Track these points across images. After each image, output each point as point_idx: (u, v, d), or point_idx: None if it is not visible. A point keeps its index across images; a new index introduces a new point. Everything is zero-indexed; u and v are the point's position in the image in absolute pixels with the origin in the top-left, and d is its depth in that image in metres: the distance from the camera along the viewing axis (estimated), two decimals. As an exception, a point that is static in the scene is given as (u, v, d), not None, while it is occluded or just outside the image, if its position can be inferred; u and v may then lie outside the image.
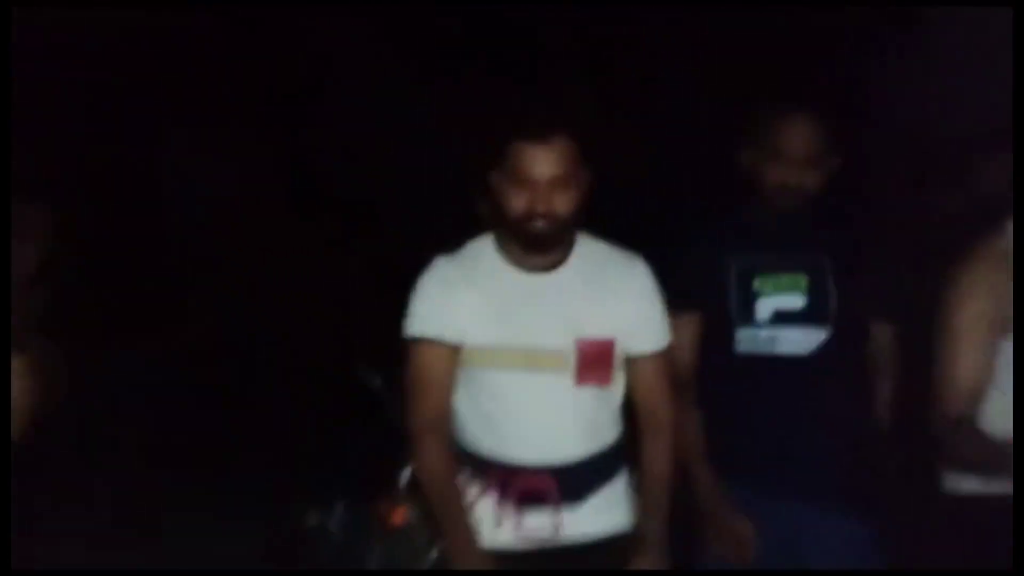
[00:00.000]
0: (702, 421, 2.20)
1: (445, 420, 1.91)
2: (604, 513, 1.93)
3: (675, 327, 2.15)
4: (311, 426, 3.14)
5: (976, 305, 1.91)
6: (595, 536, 1.91)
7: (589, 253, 1.97)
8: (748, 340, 2.16)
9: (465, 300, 1.90)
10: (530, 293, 1.92)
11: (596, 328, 1.91)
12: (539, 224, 1.85)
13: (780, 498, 2.12)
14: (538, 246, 1.90)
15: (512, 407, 1.89)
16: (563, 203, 1.86)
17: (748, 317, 2.16)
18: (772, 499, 2.12)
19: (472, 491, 1.93)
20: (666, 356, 2.00)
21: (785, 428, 2.13)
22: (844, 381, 2.18)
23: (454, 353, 1.90)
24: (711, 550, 2.17)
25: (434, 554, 2.13)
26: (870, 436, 2.23)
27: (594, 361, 1.91)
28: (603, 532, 1.92)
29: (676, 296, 2.14)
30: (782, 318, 2.16)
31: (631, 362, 1.97)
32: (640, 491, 1.97)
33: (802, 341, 2.16)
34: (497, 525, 1.89)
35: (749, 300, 2.16)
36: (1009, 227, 1.94)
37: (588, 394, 1.90)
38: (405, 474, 2.23)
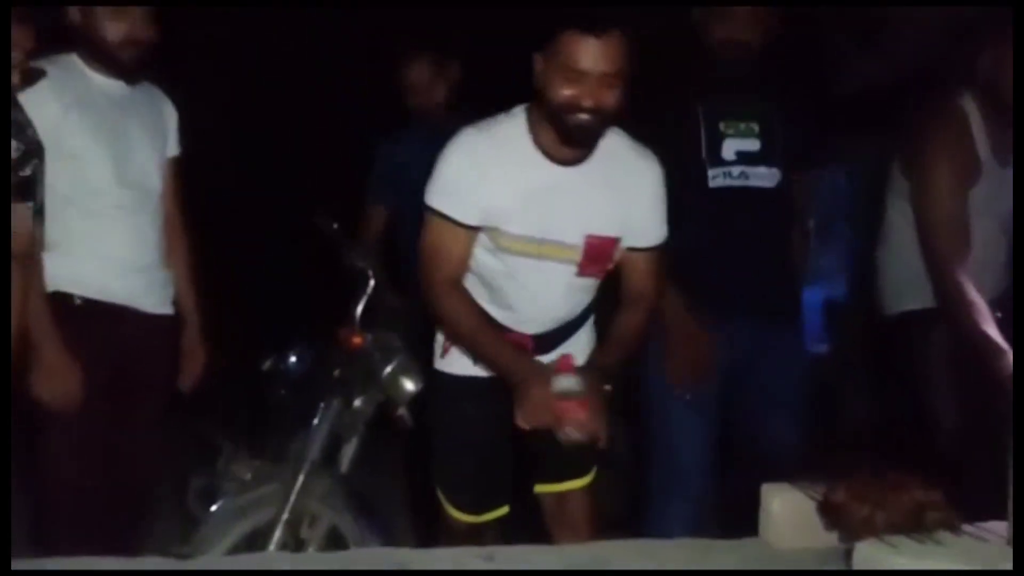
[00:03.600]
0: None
1: (460, 282, 2.07)
2: (572, 351, 2.17)
3: None
4: (267, 277, 3.41)
5: (950, 165, 2.31)
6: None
7: (611, 148, 2.05)
8: (721, 176, 2.50)
9: (492, 186, 1.97)
10: (553, 187, 2.00)
11: (605, 227, 2.07)
12: (584, 117, 1.89)
13: (742, 316, 2.54)
14: (578, 139, 1.95)
15: (517, 287, 2.10)
16: (611, 98, 1.90)
17: (716, 156, 2.50)
18: (735, 318, 2.53)
19: (447, 342, 2.22)
20: (662, 250, 2.15)
21: (751, 252, 2.54)
22: (787, 214, 2.62)
23: (472, 234, 2.03)
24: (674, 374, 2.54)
25: (387, 370, 2.45)
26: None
27: (598, 255, 2.08)
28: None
29: (645, 134, 2.42)
30: (744, 158, 2.51)
31: (630, 252, 2.12)
32: (603, 341, 2.17)
33: (767, 176, 2.53)
34: (474, 364, 2.16)
35: (717, 141, 2.49)
36: (959, 99, 2.33)
37: (584, 282, 2.11)
38: (359, 308, 2.52)
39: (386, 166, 3.28)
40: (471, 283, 2.14)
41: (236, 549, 2.34)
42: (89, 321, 2.37)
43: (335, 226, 2.57)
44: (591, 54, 1.83)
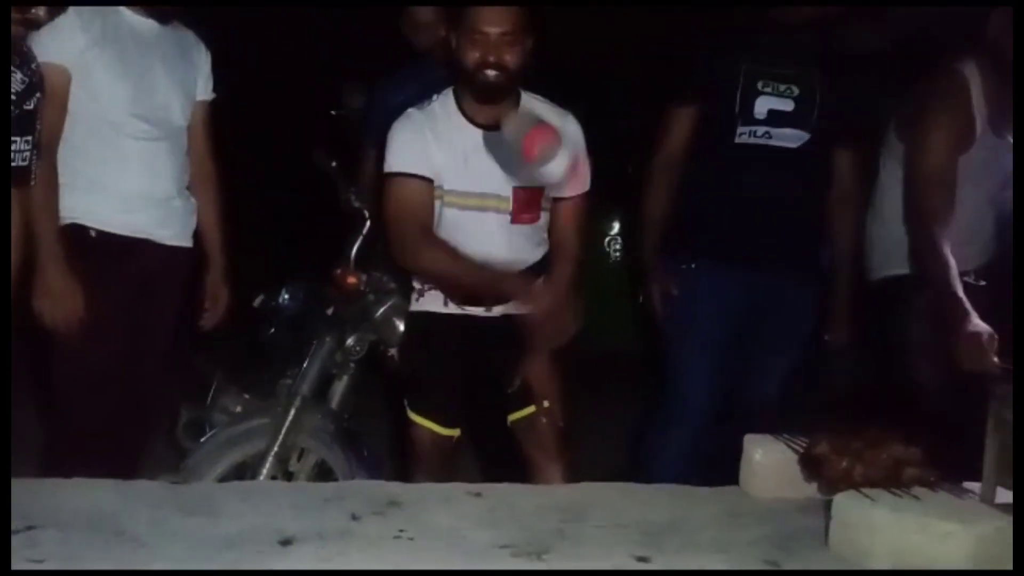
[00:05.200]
0: (670, 202, 2.71)
1: (432, 231, 2.29)
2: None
3: (674, 118, 2.68)
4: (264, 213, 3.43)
5: (946, 126, 2.33)
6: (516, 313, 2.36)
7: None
8: (747, 133, 2.58)
9: (433, 150, 2.26)
10: (480, 148, 2.28)
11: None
12: (491, 74, 2.19)
13: (753, 269, 2.62)
14: (490, 95, 2.24)
15: (463, 236, 2.30)
16: (512, 56, 2.19)
17: (748, 114, 2.58)
18: (747, 270, 2.62)
19: (422, 287, 2.40)
20: (582, 200, 2.38)
21: (768, 208, 2.59)
22: (815, 176, 2.66)
23: (430, 185, 2.27)
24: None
25: (381, 311, 2.48)
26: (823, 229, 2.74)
27: (526, 204, 2.31)
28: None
29: (680, 89, 2.67)
30: (774, 118, 2.59)
31: (553, 202, 2.36)
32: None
33: (792, 137, 2.59)
34: (444, 305, 2.39)
35: (751, 99, 2.58)
36: (961, 63, 2.34)
37: (520, 228, 2.34)
38: (354, 248, 2.54)
39: (383, 107, 3.25)
40: None
41: (225, 479, 2.38)
42: (104, 253, 2.38)
43: (333, 164, 2.58)
44: (489, 18, 2.16)
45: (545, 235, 2.41)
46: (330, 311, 2.55)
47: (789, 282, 2.66)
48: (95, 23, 2.32)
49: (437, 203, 2.30)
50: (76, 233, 2.35)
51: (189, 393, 2.66)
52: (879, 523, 1.50)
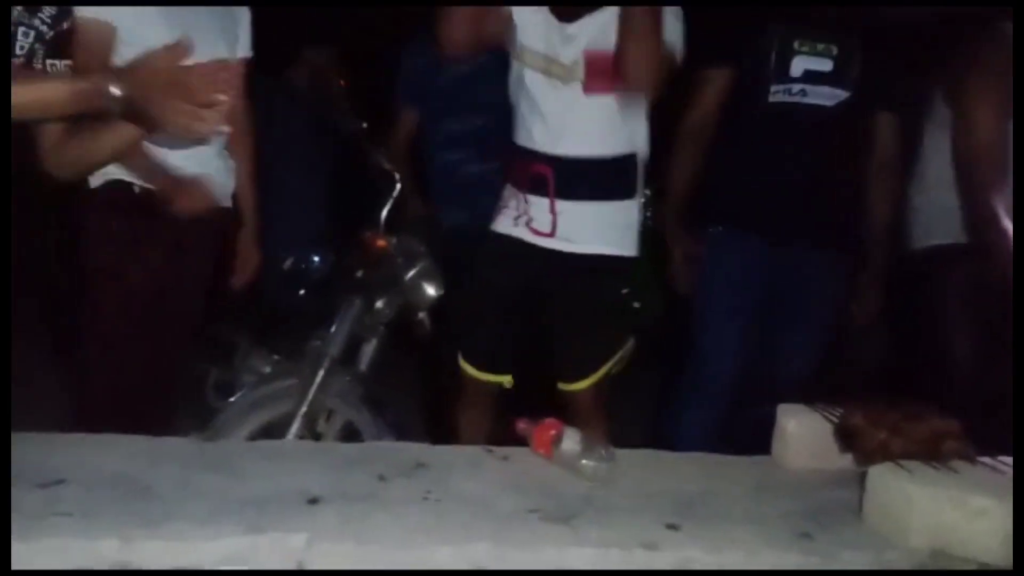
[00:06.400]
0: (700, 166, 2.65)
1: None
2: (597, 233, 2.28)
3: (706, 80, 2.63)
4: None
5: (996, 90, 2.26)
6: (589, 252, 2.28)
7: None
8: (782, 92, 2.53)
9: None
10: (551, 20, 2.26)
11: (602, 45, 2.21)
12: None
13: (783, 236, 2.57)
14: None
15: (533, 102, 2.28)
16: None
17: (783, 73, 2.53)
18: (780, 236, 2.57)
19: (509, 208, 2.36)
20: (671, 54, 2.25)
21: (801, 173, 2.54)
22: (852, 141, 2.58)
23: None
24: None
25: (410, 275, 2.46)
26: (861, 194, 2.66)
27: (599, 69, 2.21)
28: (595, 251, 2.28)
29: (714, 50, 2.61)
30: (811, 77, 2.53)
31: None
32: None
33: (828, 95, 2.53)
34: (515, 224, 2.34)
35: (787, 58, 2.53)
36: (1006, 26, 2.27)
37: (594, 103, 2.23)
38: (384, 211, 2.52)
39: (412, 69, 3.21)
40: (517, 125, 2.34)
41: (253, 439, 2.39)
42: (147, 209, 2.35)
43: (363, 126, 2.55)
44: None
45: (627, 129, 2.28)
46: (359, 274, 2.53)
47: (820, 250, 2.59)
48: None
49: (516, 62, 2.29)
50: (120, 189, 2.33)
51: (213, 354, 2.67)
52: (914, 497, 1.46)
